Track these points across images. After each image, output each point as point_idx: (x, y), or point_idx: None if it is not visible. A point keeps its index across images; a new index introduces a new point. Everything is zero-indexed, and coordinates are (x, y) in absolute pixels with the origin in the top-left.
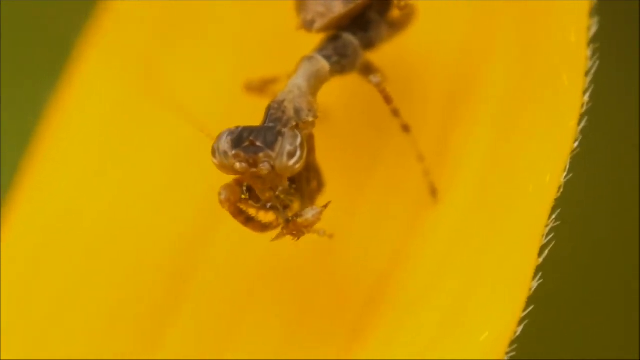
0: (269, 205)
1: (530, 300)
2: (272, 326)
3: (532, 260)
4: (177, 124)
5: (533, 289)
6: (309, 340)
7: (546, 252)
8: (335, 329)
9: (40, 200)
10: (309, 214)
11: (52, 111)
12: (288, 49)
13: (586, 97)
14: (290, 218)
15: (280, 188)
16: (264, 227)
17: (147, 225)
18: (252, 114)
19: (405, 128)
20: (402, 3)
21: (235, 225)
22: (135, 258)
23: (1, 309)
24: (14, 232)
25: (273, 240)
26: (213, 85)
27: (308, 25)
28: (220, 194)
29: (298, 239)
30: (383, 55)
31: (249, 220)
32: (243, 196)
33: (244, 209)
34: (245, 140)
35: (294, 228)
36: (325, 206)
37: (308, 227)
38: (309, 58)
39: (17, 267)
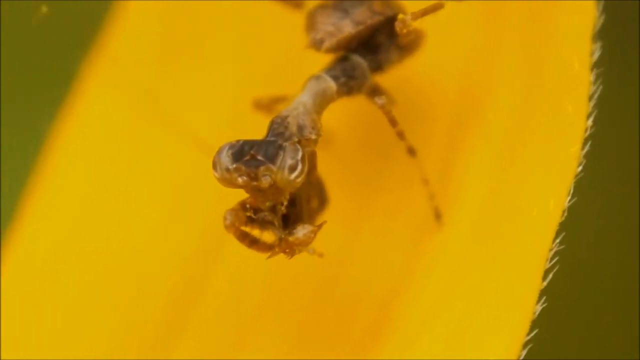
0: (266, 218)
1: (534, 324)
2: (277, 346)
3: (536, 283)
4: (181, 144)
5: (537, 313)
6: None
7: (550, 275)
8: (340, 350)
9: (44, 224)
10: (300, 232)
11: (55, 135)
12: (297, 68)
13: (590, 122)
14: (283, 236)
15: (280, 205)
16: (268, 248)
17: (153, 247)
18: (258, 131)
19: (411, 151)
20: (405, 30)
21: (241, 245)
22: (140, 281)
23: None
24: (17, 257)
25: (268, 257)
26: (220, 103)
27: (317, 45)
28: (225, 218)
29: (291, 257)
30: (389, 77)
31: (253, 243)
32: (248, 213)
33: (248, 231)
34: (246, 154)
35: (286, 246)
36: (319, 226)
37: (299, 245)
38: (316, 77)
39: (19, 294)
